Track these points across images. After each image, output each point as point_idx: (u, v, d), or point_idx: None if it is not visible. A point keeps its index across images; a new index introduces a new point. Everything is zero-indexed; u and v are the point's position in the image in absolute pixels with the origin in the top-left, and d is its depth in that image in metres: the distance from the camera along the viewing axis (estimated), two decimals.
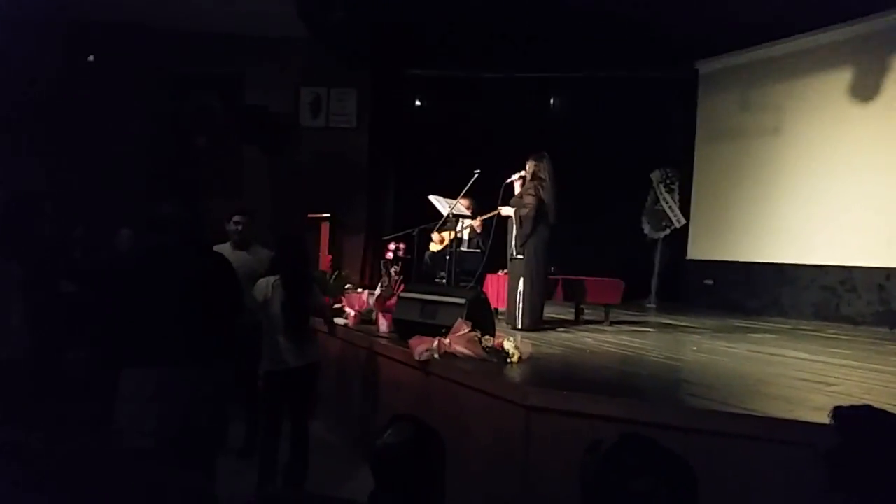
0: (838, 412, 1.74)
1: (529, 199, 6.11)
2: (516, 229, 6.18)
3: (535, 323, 6.18)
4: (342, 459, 5.06)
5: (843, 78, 8.30)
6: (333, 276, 7.72)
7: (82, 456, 2.10)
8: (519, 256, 6.16)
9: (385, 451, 1.94)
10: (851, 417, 1.72)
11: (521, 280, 6.09)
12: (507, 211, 6.33)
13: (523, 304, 6.09)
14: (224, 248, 5.09)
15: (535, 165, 6.23)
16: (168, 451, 3.06)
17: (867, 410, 1.75)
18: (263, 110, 9.78)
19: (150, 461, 1.93)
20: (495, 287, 7.03)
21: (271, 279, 4.40)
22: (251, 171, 9.77)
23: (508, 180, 6.39)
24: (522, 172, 6.33)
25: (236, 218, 5.40)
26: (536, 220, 6.08)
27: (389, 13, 8.75)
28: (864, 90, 8.11)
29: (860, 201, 7.96)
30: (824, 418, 3.05)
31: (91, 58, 9.11)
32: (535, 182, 6.18)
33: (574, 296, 7.11)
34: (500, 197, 6.40)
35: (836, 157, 8.27)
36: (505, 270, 6.76)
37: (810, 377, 4.32)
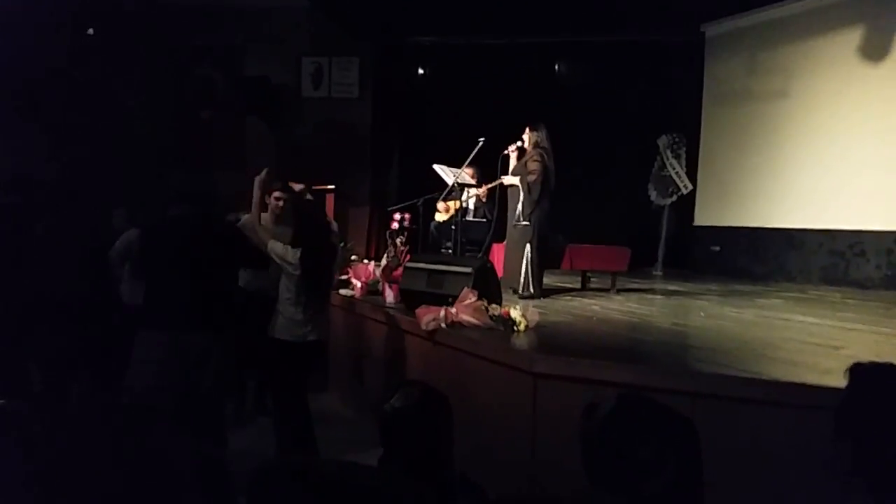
0: (858, 367, 1.73)
1: (535, 166, 6.12)
2: (524, 196, 6.15)
3: (539, 289, 6.20)
4: (352, 429, 5.09)
5: (852, 38, 8.16)
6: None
7: (84, 424, 2.11)
8: (525, 223, 6.15)
9: (393, 415, 1.94)
10: (870, 371, 1.71)
11: (528, 247, 6.10)
12: (511, 180, 6.30)
13: (532, 271, 6.10)
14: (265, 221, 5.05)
15: (535, 134, 6.26)
16: (176, 414, 3.14)
17: (888, 366, 1.74)
18: (265, 82, 9.69)
19: (156, 426, 1.94)
20: (501, 256, 7.01)
21: (296, 251, 4.25)
22: (254, 142, 9.71)
23: (505, 152, 6.37)
24: (518, 143, 6.33)
25: (277, 194, 5.29)
26: (543, 186, 6.09)
27: None
28: (875, 51, 7.97)
29: (869, 164, 7.87)
30: (833, 381, 3.07)
31: (91, 31, 9.02)
32: (539, 150, 6.17)
33: (580, 263, 7.09)
34: (499, 168, 6.39)
35: (845, 119, 8.16)
36: None
37: (818, 341, 4.31)
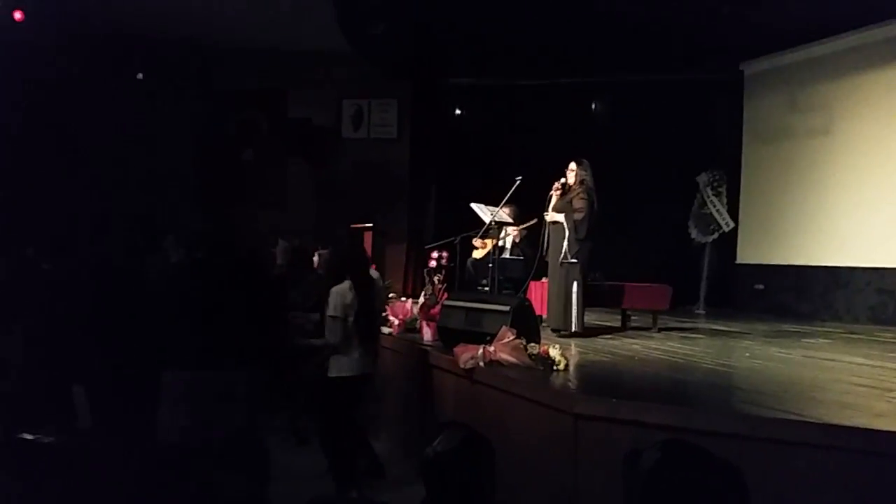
0: None
1: (580, 204, 6.08)
2: (569, 234, 6.09)
3: (581, 327, 6.16)
4: (390, 468, 5.06)
5: (894, 75, 8.04)
6: None
7: (132, 456, 2.15)
8: (573, 261, 6.09)
9: (436, 459, 1.93)
10: None
11: (576, 284, 6.04)
12: (555, 217, 6.23)
13: (576, 309, 6.04)
14: None
15: (581, 170, 6.22)
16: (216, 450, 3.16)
17: None
18: (307, 123, 9.94)
19: (200, 462, 1.97)
20: (538, 295, 6.97)
21: (345, 286, 4.34)
22: (296, 183, 9.92)
23: (551, 193, 6.33)
24: (563, 180, 6.30)
25: (322, 252, 5.36)
26: (589, 223, 6.06)
27: (429, 24, 8.81)
28: None
29: None
30: (886, 425, 2.97)
31: (140, 76, 9.38)
32: (584, 187, 6.15)
33: (621, 302, 7.01)
34: (546, 208, 6.35)
35: (890, 156, 8.00)
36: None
37: (869, 383, 4.18)
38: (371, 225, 8.63)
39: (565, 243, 6.11)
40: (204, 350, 3.55)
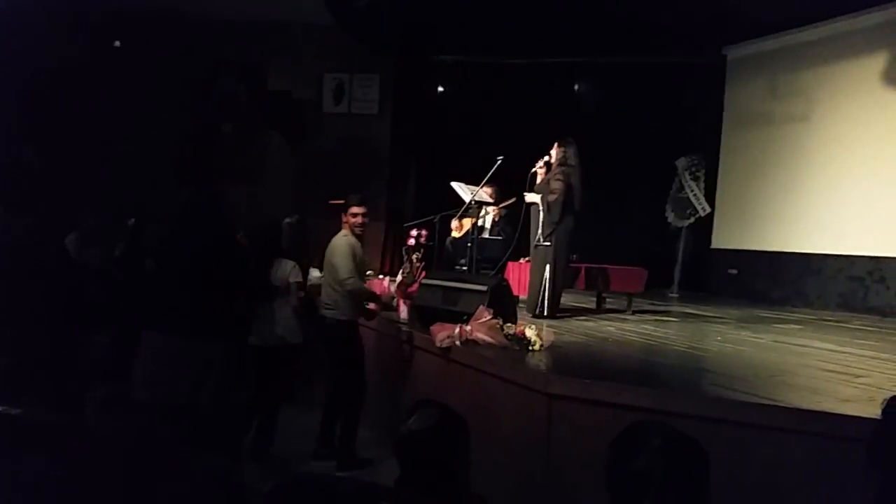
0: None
1: (557, 185, 6.00)
2: (543, 216, 6.04)
3: (556, 310, 6.16)
4: (365, 445, 5.08)
5: (874, 64, 8.11)
6: None
7: (108, 435, 2.14)
8: (546, 243, 6.04)
9: (411, 438, 1.94)
10: None
11: (547, 267, 6.04)
12: (532, 198, 6.20)
13: (547, 292, 6.04)
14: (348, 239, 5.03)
15: (563, 151, 6.12)
16: (188, 424, 3.16)
17: None
18: (286, 97, 9.79)
19: (175, 442, 1.96)
20: (516, 275, 7.00)
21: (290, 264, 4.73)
22: (274, 157, 9.80)
23: (534, 169, 6.29)
24: (546, 158, 6.26)
25: (361, 209, 5.06)
26: (565, 206, 6.00)
27: None
28: None
29: (891, 191, 7.79)
30: (852, 410, 3.04)
31: (117, 43, 9.18)
32: (563, 168, 6.08)
33: (596, 284, 7.06)
34: (528, 186, 6.30)
35: (866, 145, 8.10)
36: (527, 258, 6.71)
37: (837, 368, 4.26)
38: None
39: (540, 226, 6.10)
40: (180, 316, 3.54)
